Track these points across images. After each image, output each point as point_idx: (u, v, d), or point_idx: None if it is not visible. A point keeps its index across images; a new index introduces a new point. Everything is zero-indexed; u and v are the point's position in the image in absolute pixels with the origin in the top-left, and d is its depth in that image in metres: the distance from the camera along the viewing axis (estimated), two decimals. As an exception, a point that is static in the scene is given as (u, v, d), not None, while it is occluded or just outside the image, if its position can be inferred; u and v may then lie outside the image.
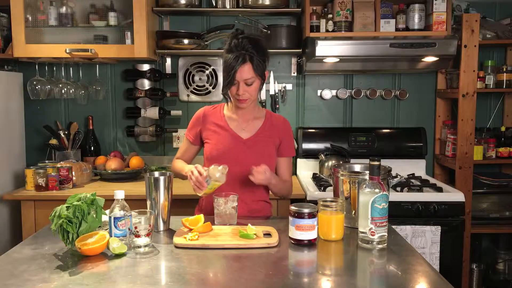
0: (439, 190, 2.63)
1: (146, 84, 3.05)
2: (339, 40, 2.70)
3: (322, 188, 2.63)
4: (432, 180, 2.87)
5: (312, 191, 2.56)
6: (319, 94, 3.15)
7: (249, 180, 1.92)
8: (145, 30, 2.70)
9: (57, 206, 1.54)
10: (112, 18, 2.83)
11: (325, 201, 1.61)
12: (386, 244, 1.53)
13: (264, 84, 1.94)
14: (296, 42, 2.95)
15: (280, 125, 2.00)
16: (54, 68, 2.98)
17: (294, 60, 3.13)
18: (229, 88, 1.85)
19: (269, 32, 2.92)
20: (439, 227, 2.43)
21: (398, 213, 2.43)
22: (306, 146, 3.03)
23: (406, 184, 2.69)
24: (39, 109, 3.12)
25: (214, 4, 2.92)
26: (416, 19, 2.84)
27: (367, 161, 1.64)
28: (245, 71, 1.80)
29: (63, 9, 2.83)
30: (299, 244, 1.55)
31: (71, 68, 3.06)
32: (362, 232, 1.54)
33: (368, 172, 1.61)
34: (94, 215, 1.55)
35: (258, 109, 2.01)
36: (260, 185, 1.93)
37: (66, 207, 1.51)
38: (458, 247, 2.56)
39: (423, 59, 2.81)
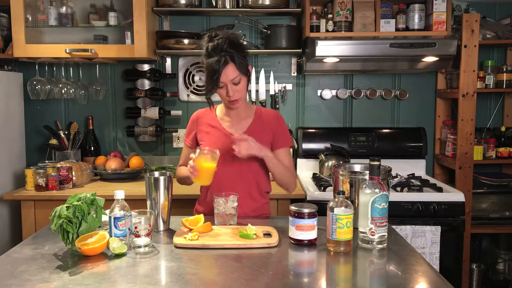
0: (439, 190, 2.63)
1: (146, 84, 3.05)
2: (339, 40, 2.70)
3: (322, 188, 2.63)
4: (432, 180, 2.87)
5: (312, 191, 2.56)
6: (319, 94, 3.15)
7: (246, 178, 1.92)
8: (145, 30, 2.70)
9: (57, 206, 1.54)
10: (112, 18, 2.83)
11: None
12: (386, 244, 1.53)
13: (250, 79, 1.93)
14: (296, 42, 2.95)
15: (271, 119, 1.98)
16: (54, 68, 2.98)
17: (294, 60, 3.13)
18: (213, 92, 1.84)
19: (269, 32, 2.92)
20: (439, 227, 2.43)
21: (398, 213, 2.43)
22: (306, 146, 3.03)
23: (406, 184, 2.69)
24: (39, 109, 3.12)
25: (214, 4, 2.92)
26: (416, 19, 2.84)
27: (367, 161, 1.64)
28: (230, 72, 1.79)
29: (63, 9, 2.83)
30: (299, 244, 1.55)
31: (71, 68, 3.06)
32: (362, 232, 1.54)
33: (368, 172, 1.61)
34: (94, 215, 1.55)
35: (248, 108, 2.00)
36: (259, 180, 1.94)
37: (66, 207, 1.51)
38: (458, 247, 2.56)
39: (423, 59, 2.81)
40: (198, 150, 1.76)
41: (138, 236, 1.49)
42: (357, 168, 1.94)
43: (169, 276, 1.32)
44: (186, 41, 2.86)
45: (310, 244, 1.55)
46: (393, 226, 1.84)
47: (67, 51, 2.71)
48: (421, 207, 2.48)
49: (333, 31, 2.85)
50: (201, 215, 1.71)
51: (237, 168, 1.90)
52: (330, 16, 2.86)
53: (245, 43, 2.93)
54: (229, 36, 1.82)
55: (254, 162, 1.92)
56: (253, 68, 3.08)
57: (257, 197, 1.97)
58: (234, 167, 1.90)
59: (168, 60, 3.11)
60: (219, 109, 2.01)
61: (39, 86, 2.88)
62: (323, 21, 2.85)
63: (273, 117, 2.00)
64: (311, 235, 1.54)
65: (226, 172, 1.89)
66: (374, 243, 1.51)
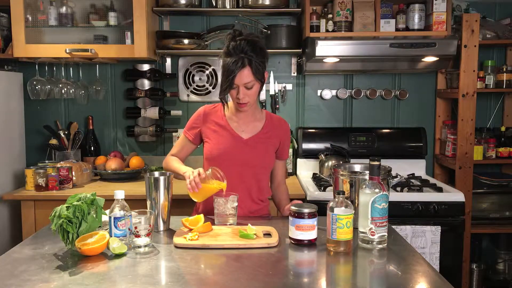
0: (439, 190, 2.63)
1: (146, 84, 3.05)
2: (339, 40, 2.70)
3: (322, 188, 2.63)
4: (432, 180, 2.87)
5: (312, 191, 2.56)
6: (319, 94, 3.15)
7: (248, 181, 1.92)
8: (145, 30, 2.70)
9: (57, 206, 1.54)
10: (112, 18, 2.83)
11: None
12: (386, 244, 1.53)
13: (264, 85, 1.93)
14: (296, 42, 2.95)
15: (281, 128, 2.00)
16: (54, 68, 2.98)
17: (294, 60, 3.13)
18: (227, 92, 1.84)
19: (269, 32, 2.92)
20: (439, 227, 2.43)
21: (398, 213, 2.43)
22: (306, 146, 3.03)
23: (406, 184, 2.69)
24: (39, 109, 3.12)
25: (214, 4, 2.92)
26: (416, 19, 2.84)
27: (367, 161, 1.64)
28: (245, 75, 1.78)
29: (63, 9, 2.83)
30: (299, 244, 1.55)
31: (71, 68, 3.06)
32: (362, 232, 1.54)
33: (368, 172, 1.61)
34: (94, 215, 1.55)
35: (258, 111, 2.00)
36: (260, 184, 1.95)
37: (66, 207, 1.51)
38: (458, 247, 2.56)
39: (423, 59, 2.81)
40: (210, 170, 1.75)
41: (138, 236, 1.49)
42: (357, 168, 1.94)
43: (169, 276, 1.32)
44: (186, 41, 2.86)
45: (310, 244, 1.55)
46: (393, 226, 1.84)
47: (67, 51, 2.71)
48: (421, 207, 2.48)
49: (333, 31, 2.85)
50: (201, 215, 1.71)
51: (241, 170, 1.90)
52: (330, 16, 2.86)
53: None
54: (252, 38, 1.80)
55: (259, 168, 1.93)
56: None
57: (257, 199, 1.98)
58: (238, 169, 1.90)
59: (168, 60, 3.11)
60: (227, 108, 1.99)
61: (39, 86, 2.88)
62: (323, 21, 2.85)
63: (283, 125, 2.01)
64: (311, 235, 1.54)
65: (230, 173, 1.89)
66: (374, 243, 1.51)
